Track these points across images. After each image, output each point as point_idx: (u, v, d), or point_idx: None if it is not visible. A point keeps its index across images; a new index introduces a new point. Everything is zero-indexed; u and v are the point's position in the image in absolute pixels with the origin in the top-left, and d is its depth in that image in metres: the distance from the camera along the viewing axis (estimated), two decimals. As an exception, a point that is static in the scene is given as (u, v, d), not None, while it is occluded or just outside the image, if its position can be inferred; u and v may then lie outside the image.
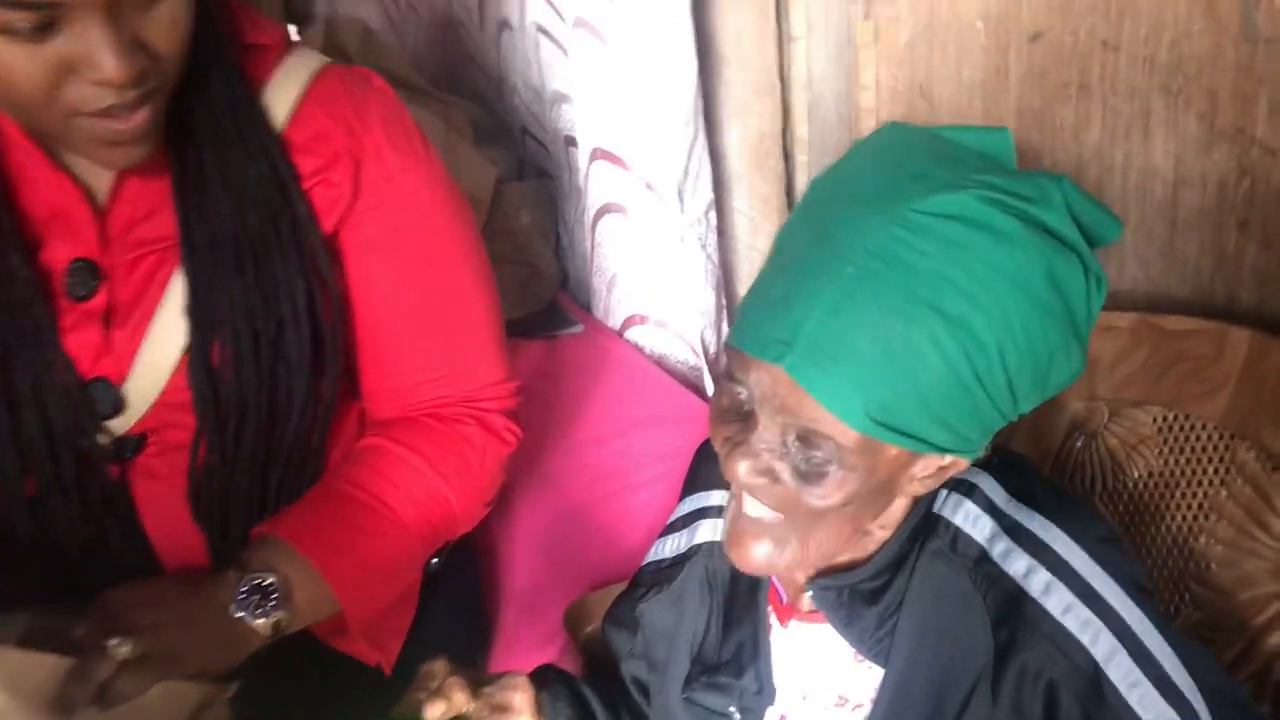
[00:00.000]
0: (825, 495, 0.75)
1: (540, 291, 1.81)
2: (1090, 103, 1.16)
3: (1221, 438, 1.06)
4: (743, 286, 1.75)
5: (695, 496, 1.03)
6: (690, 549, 1.00)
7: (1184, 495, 1.09)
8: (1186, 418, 1.08)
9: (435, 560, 1.14)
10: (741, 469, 0.77)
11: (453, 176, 1.83)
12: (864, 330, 0.70)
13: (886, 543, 0.83)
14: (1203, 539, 1.07)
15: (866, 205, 0.73)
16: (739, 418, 0.78)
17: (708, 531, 0.99)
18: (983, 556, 0.80)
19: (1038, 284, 0.72)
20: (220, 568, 0.99)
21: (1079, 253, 0.74)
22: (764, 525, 0.79)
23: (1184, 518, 1.09)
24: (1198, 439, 1.08)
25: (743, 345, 0.76)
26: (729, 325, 1.70)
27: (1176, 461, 1.09)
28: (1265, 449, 1.03)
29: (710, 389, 1.66)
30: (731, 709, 0.92)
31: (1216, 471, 1.07)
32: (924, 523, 0.83)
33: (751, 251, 1.71)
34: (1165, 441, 1.10)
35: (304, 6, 2.81)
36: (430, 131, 1.82)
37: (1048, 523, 0.81)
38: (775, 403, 0.74)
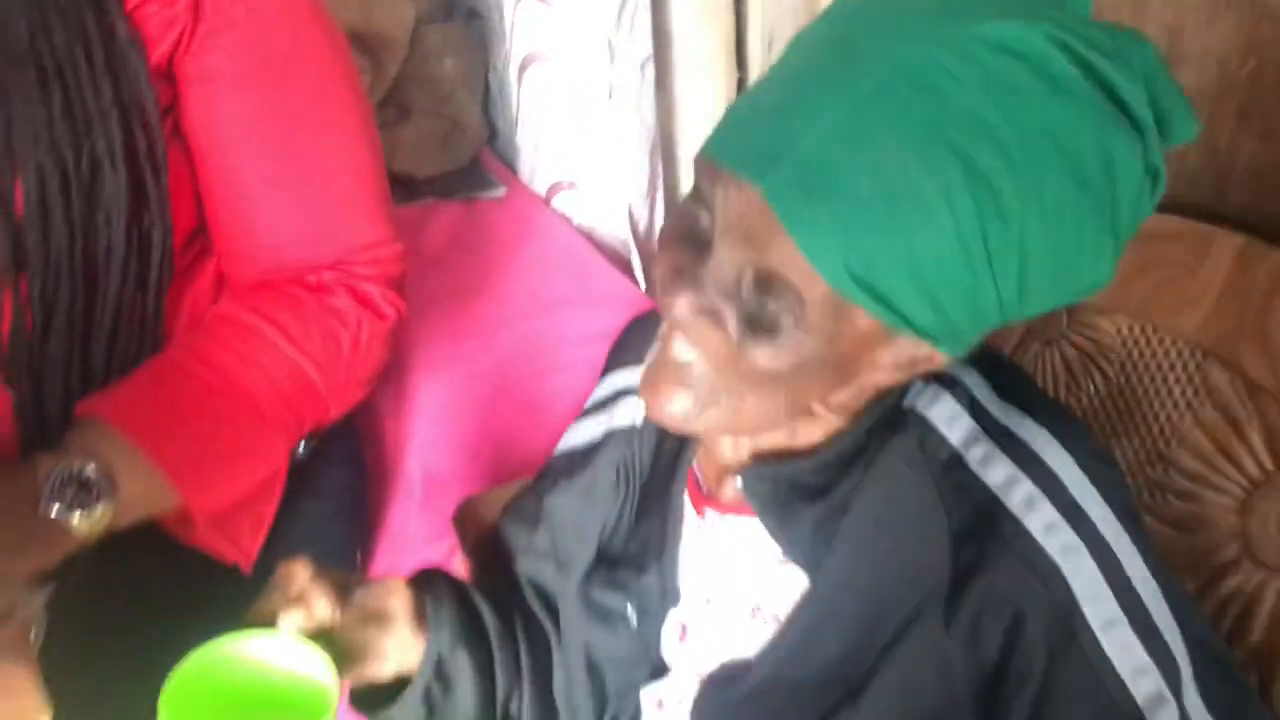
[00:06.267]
0: (772, 356, 0.63)
1: (460, 149, 1.65)
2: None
3: (1193, 356, 0.94)
4: (683, 152, 1.61)
5: (616, 375, 0.90)
6: (606, 434, 0.87)
7: (1145, 418, 0.97)
8: (1155, 330, 0.95)
9: (303, 448, 1.00)
10: (681, 303, 0.65)
11: (365, 13, 1.69)
12: (867, 163, 0.59)
13: (841, 433, 0.70)
14: (1159, 468, 0.96)
15: (907, 18, 0.60)
16: (693, 245, 0.65)
17: (627, 414, 0.86)
18: (955, 461, 0.68)
19: (1088, 158, 0.60)
20: (32, 455, 0.85)
21: (1144, 135, 0.61)
22: (690, 375, 0.66)
23: (1142, 442, 0.97)
24: (1166, 355, 0.95)
25: (716, 156, 0.63)
26: (664, 197, 1.56)
27: (1140, 379, 0.97)
28: (1242, 373, 0.90)
29: (639, 267, 1.52)
30: (629, 608, 0.81)
31: (1184, 394, 0.94)
32: (890, 415, 0.70)
33: (694, 115, 1.56)
34: (1129, 356, 0.97)
35: None
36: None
37: (1039, 429, 0.69)
38: (739, 232, 0.62)
